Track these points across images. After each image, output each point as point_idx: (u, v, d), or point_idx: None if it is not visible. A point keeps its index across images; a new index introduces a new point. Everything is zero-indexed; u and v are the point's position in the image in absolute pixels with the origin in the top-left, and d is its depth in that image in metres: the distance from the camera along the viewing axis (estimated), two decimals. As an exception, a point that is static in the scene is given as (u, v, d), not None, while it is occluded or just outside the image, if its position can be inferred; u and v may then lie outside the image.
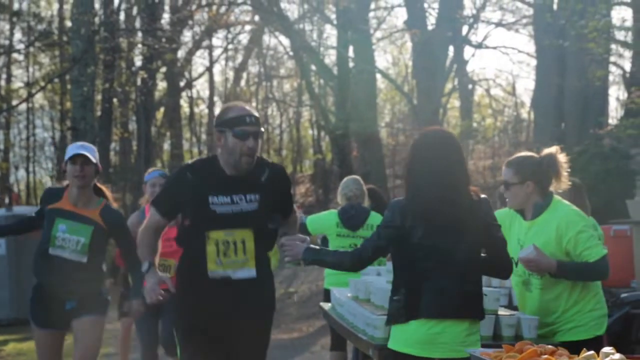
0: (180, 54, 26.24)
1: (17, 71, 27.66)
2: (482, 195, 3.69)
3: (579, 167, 10.85)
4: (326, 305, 5.65)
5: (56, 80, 23.74)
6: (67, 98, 23.98)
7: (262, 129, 3.94)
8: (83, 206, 4.99)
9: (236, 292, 3.89)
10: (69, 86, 21.52)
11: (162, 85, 27.76)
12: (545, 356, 2.89)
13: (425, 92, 19.93)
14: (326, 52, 23.28)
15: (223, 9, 23.27)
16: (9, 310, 13.57)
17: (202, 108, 31.54)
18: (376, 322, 4.13)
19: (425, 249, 3.54)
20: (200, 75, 30.56)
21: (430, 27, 20.14)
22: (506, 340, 4.00)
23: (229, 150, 3.87)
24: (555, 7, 18.40)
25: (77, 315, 4.97)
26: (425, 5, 21.28)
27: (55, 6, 26.25)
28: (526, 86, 56.02)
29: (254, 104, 28.52)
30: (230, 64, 31.05)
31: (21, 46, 26.04)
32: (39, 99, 27.11)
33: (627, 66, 21.25)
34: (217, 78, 33.76)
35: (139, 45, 23.79)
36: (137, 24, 24.56)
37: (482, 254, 3.70)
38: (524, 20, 23.29)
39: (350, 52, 18.94)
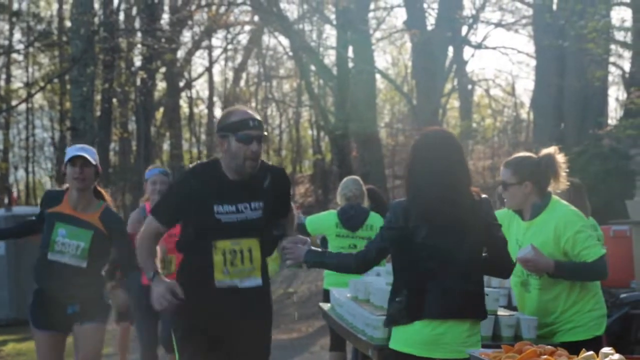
0: (180, 54, 26.25)
1: (16, 71, 27.70)
2: (483, 195, 3.69)
3: (578, 168, 10.85)
4: (325, 306, 5.65)
5: (56, 80, 23.74)
6: (66, 98, 23.98)
7: (266, 133, 3.91)
8: (83, 210, 4.96)
9: (242, 301, 3.88)
10: (68, 86, 21.51)
11: (161, 85, 27.77)
12: (545, 356, 2.89)
13: (424, 93, 19.93)
14: (326, 52, 23.30)
15: (222, 9, 23.29)
16: (8, 310, 13.57)
17: (201, 108, 31.58)
18: (375, 323, 4.13)
19: (429, 249, 3.54)
20: (200, 75, 30.59)
21: (429, 28, 20.14)
22: (505, 341, 4.01)
23: (232, 155, 3.82)
24: (554, 7, 18.40)
25: (79, 322, 4.94)
26: (425, 5, 21.31)
27: (55, 6, 26.26)
28: (526, 86, 55.98)
29: (253, 105, 28.55)
30: (230, 64, 31.10)
31: (21, 46, 26.06)
32: (39, 99, 27.14)
33: (627, 66, 21.28)
34: (217, 78, 33.85)
35: (139, 46, 23.80)
36: (137, 24, 24.57)
37: (484, 254, 3.70)
38: (524, 21, 23.30)
39: (350, 52, 18.94)
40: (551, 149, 4.22)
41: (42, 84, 24.38)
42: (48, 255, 4.88)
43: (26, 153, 28.03)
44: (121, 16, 24.52)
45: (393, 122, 30.55)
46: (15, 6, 24.92)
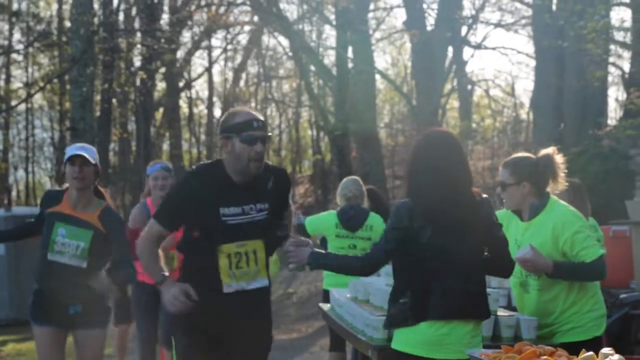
0: (180, 54, 26.26)
1: (16, 71, 27.69)
2: (484, 195, 3.70)
3: (578, 168, 10.86)
4: (325, 306, 5.65)
5: (55, 80, 23.73)
6: (66, 98, 23.97)
7: (270, 133, 3.89)
8: (82, 209, 4.93)
9: (248, 301, 3.86)
10: (68, 86, 21.51)
11: (161, 85, 27.77)
12: (545, 357, 2.89)
13: (424, 93, 19.94)
14: (325, 52, 23.33)
15: (222, 9, 23.28)
16: (8, 310, 13.59)
17: (201, 108, 31.58)
18: (375, 323, 4.13)
19: (433, 250, 3.54)
20: (200, 75, 30.59)
21: (429, 28, 20.14)
22: (505, 341, 4.01)
23: (236, 156, 3.79)
24: (554, 7, 18.41)
25: (80, 327, 4.94)
26: (425, 5, 21.32)
27: (55, 6, 26.24)
28: (525, 87, 56.13)
29: (252, 105, 28.55)
30: (230, 64, 31.10)
31: (20, 46, 26.06)
32: (38, 99, 27.13)
33: (626, 67, 21.28)
34: (216, 78, 33.87)
35: (138, 46, 23.80)
36: (136, 24, 24.56)
37: (485, 254, 3.70)
38: (523, 21, 23.29)
39: (350, 52, 18.94)
40: (550, 150, 4.22)
41: (41, 84, 24.38)
42: (48, 255, 4.86)
43: (26, 153, 28.03)
44: (121, 16, 24.53)
45: (393, 122, 30.56)
46: (15, 6, 24.91)
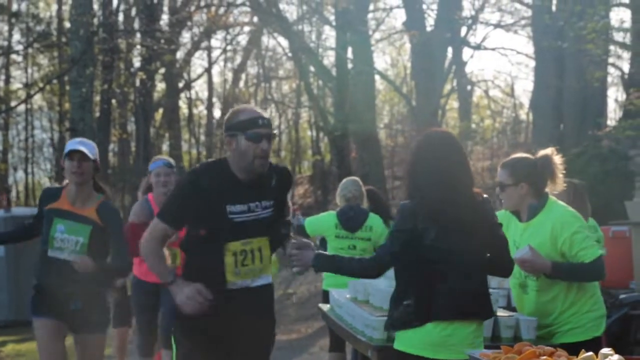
0: (179, 55, 26.27)
1: (15, 72, 27.71)
2: (484, 195, 3.71)
3: (577, 169, 10.87)
4: (325, 307, 5.65)
5: (55, 81, 23.74)
6: (65, 99, 23.98)
7: (275, 131, 3.87)
8: (81, 205, 4.91)
9: (252, 299, 3.85)
10: (67, 87, 21.52)
11: (160, 86, 27.78)
12: (544, 357, 2.89)
13: (424, 93, 19.94)
14: (325, 53, 23.32)
15: (222, 10, 23.31)
16: (7, 311, 13.58)
17: (200, 109, 31.61)
18: (375, 324, 4.13)
19: (438, 251, 3.54)
20: (199, 76, 30.61)
21: (429, 29, 20.14)
22: (505, 342, 4.01)
23: (242, 154, 3.77)
24: (554, 8, 18.41)
25: (81, 326, 4.92)
26: (424, 6, 21.33)
27: (54, 7, 26.26)
28: (525, 87, 56.21)
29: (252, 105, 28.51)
30: (229, 65, 31.14)
31: (20, 47, 26.06)
32: (38, 100, 27.14)
33: (626, 67, 21.28)
34: (216, 79, 33.87)
35: (138, 47, 23.81)
36: (136, 25, 24.57)
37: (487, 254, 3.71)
38: (523, 22, 23.30)
39: (349, 53, 18.94)
40: (548, 150, 4.22)
41: (41, 84, 24.40)
42: (48, 252, 4.85)
43: (25, 154, 28.04)
44: (120, 17, 24.55)
45: (392, 122, 30.57)
46: (15, 7, 24.92)
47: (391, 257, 3.64)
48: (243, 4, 20.92)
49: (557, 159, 4.18)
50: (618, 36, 17.49)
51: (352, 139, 18.98)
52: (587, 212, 5.54)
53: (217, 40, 30.94)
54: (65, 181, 5.01)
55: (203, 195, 3.76)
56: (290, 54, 22.20)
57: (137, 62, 25.18)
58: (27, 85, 26.52)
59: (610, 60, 20.22)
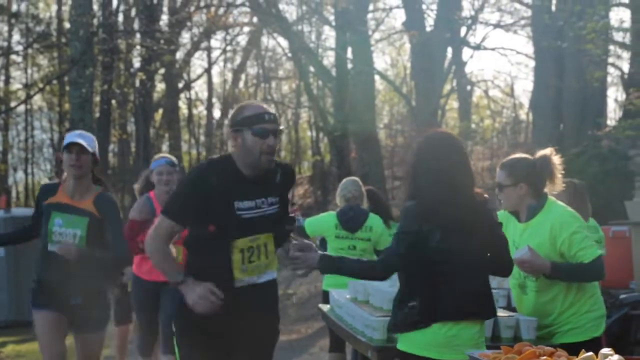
0: (179, 55, 26.26)
1: (15, 73, 27.70)
2: (486, 196, 3.71)
3: (577, 169, 10.87)
4: (325, 307, 5.65)
5: (55, 81, 23.74)
6: (65, 99, 23.98)
7: (281, 127, 3.84)
8: (80, 197, 4.88)
9: (259, 295, 3.84)
10: (67, 88, 21.52)
11: (160, 86, 27.77)
12: (544, 357, 2.89)
13: (423, 94, 19.93)
14: (325, 53, 23.29)
15: (221, 10, 23.30)
16: (7, 312, 13.57)
17: (200, 109, 31.57)
18: (375, 324, 4.13)
19: (443, 252, 3.54)
20: (199, 76, 30.59)
21: (428, 29, 20.14)
22: (505, 342, 4.01)
23: (248, 150, 3.74)
24: (553, 8, 18.40)
25: (81, 323, 4.92)
26: (424, 6, 21.32)
27: (54, 8, 26.25)
28: (524, 87, 56.18)
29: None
30: (229, 65, 31.10)
31: (20, 48, 26.05)
32: (38, 100, 27.13)
33: (626, 67, 21.28)
34: (216, 79, 33.84)
35: (138, 47, 23.79)
36: (136, 25, 24.55)
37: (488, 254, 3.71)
38: (522, 22, 23.29)
39: (349, 53, 18.94)
40: (547, 151, 4.22)
41: (41, 85, 24.40)
42: (48, 246, 4.84)
43: (25, 154, 28.03)
44: (120, 17, 24.53)
45: (392, 123, 30.55)
46: (14, 7, 24.91)
47: (398, 259, 3.62)
48: (243, 5, 20.92)
49: (556, 159, 4.19)
50: (618, 36, 17.49)
51: (351, 139, 18.97)
52: (587, 212, 5.54)
53: (216, 41, 30.97)
54: (64, 175, 4.98)
55: (211, 191, 3.72)
56: (290, 54, 22.20)
57: (136, 63, 25.18)
58: (26, 86, 26.52)
59: (610, 60, 20.22)
